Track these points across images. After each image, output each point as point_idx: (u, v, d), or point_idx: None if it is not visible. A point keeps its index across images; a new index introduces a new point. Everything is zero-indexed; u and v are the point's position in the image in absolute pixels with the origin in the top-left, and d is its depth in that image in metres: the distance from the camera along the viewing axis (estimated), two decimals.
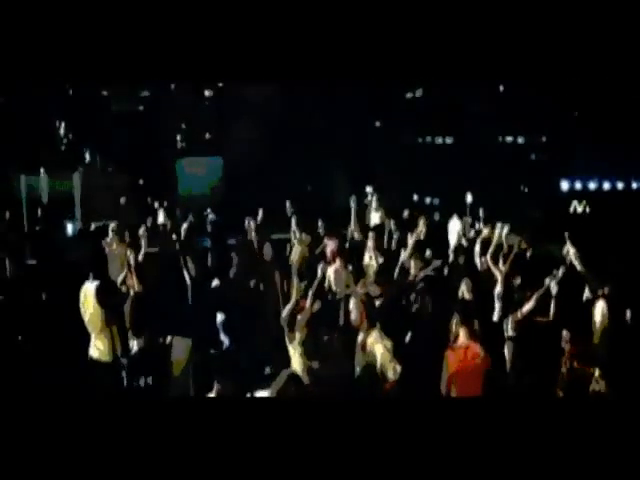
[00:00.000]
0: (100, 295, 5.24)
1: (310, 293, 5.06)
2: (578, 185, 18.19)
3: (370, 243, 7.06)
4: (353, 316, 4.95)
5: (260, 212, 8.48)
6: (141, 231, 7.53)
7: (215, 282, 7.48)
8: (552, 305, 5.66)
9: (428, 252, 6.79)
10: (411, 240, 6.88)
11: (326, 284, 6.65)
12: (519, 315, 5.58)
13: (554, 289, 5.64)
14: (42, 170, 14.59)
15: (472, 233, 9.05)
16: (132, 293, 6.18)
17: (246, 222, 7.97)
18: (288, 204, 9.19)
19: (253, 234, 7.68)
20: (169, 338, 5.63)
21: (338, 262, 6.79)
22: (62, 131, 17.41)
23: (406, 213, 9.42)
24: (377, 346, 4.70)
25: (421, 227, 7.85)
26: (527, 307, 5.56)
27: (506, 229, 6.94)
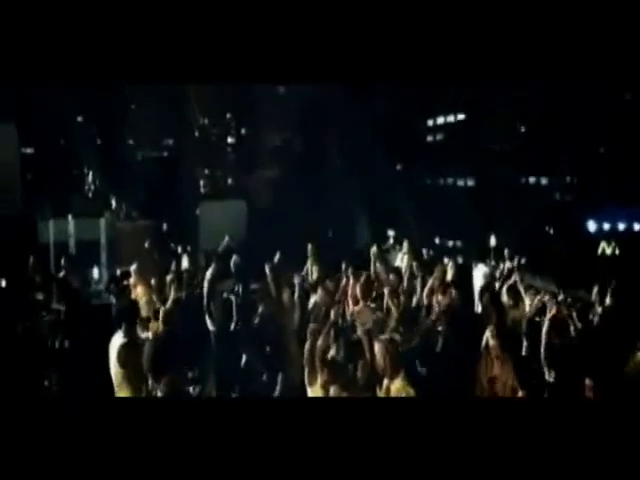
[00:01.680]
0: (122, 356, 5.17)
1: (324, 331, 5.07)
2: (606, 226, 17.58)
3: (389, 288, 6.99)
4: (377, 361, 4.90)
5: (277, 255, 8.41)
6: (168, 279, 7.57)
7: (239, 327, 7.47)
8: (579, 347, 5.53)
9: (454, 293, 6.71)
10: (432, 281, 6.84)
11: (349, 322, 6.61)
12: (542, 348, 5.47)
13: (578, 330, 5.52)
14: (70, 216, 14.88)
15: (497, 273, 8.92)
16: (152, 338, 6.15)
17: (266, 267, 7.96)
18: (310, 248, 9.14)
19: (270, 279, 7.67)
20: (192, 387, 5.58)
21: (362, 303, 6.75)
22: (90, 178, 17.82)
23: (428, 256, 9.33)
24: (400, 395, 4.63)
25: (449, 271, 7.77)
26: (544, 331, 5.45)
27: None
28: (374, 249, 7.83)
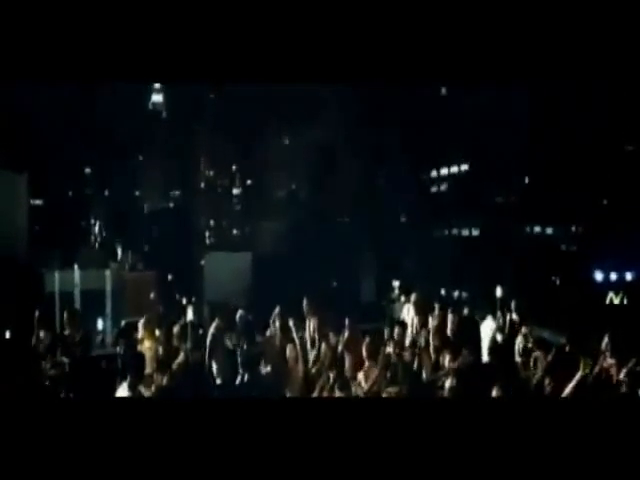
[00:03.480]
0: None
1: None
2: (613, 276, 17.36)
3: (395, 344, 6.90)
4: None
5: (277, 308, 8.29)
6: (175, 330, 7.53)
7: (244, 380, 7.37)
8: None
9: (464, 353, 6.62)
10: (434, 334, 6.78)
11: (357, 381, 6.52)
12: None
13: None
14: (76, 266, 14.89)
15: (505, 327, 8.82)
16: (155, 391, 6.06)
17: (270, 319, 7.91)
18: (311, 301, 8.93)
19: (275, 332, 7.63)
20: None
21: (368, 362, 6.65)
22: (96, 229, 17.97)
23: (435, 308, 9.24)
24: None
25: (449, 325, 7.69)
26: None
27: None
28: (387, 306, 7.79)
